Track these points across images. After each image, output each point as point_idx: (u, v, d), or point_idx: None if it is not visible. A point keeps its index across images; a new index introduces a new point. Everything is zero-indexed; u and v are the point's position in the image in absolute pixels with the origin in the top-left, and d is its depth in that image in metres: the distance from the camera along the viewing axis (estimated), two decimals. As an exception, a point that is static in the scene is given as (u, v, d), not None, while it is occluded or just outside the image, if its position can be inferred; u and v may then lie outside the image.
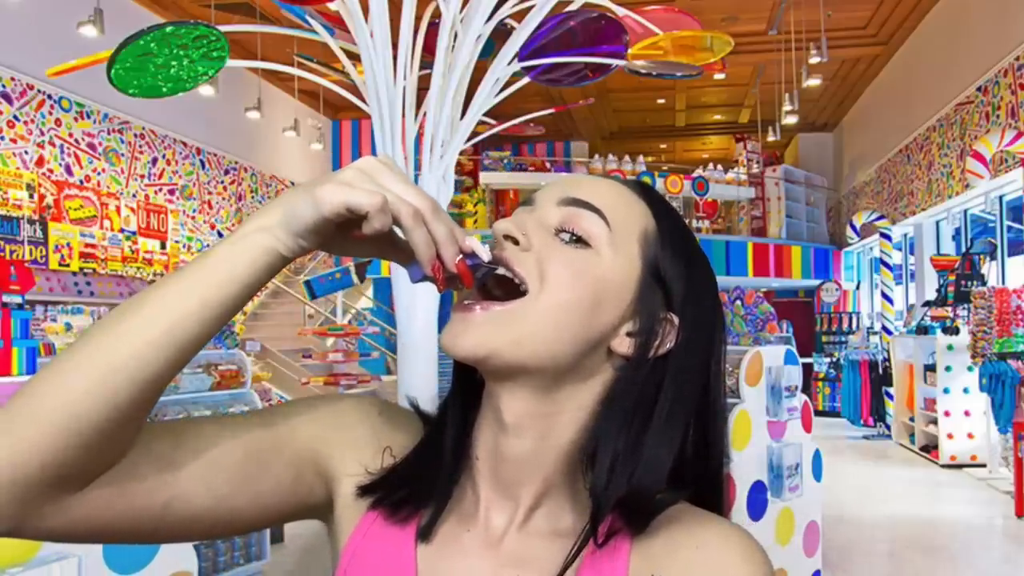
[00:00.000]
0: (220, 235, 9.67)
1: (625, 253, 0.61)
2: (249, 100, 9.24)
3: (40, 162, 7.04)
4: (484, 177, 11.94)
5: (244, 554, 3.99)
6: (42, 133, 7.11)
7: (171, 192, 8.94)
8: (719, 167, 12.69)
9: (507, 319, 0.58)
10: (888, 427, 9.37)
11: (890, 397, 9.25)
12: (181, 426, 0.61)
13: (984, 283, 7.39)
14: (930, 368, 7.93)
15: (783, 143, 14.51)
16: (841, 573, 4.39)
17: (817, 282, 12.63)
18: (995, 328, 6.42)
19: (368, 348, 9.04)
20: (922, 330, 8.11)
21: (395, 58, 3.25)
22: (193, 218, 9.33)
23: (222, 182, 10.00)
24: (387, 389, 6.45)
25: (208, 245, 9.37)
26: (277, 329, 9.65)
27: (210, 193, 9.72)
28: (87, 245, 7.08)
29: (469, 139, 3.73)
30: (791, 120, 9.78)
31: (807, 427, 3.64)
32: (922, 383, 8.18)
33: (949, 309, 7.71)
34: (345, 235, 0.57)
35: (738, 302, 4.14)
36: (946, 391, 7.52)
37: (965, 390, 7.37)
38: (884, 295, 10.23)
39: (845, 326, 12.09)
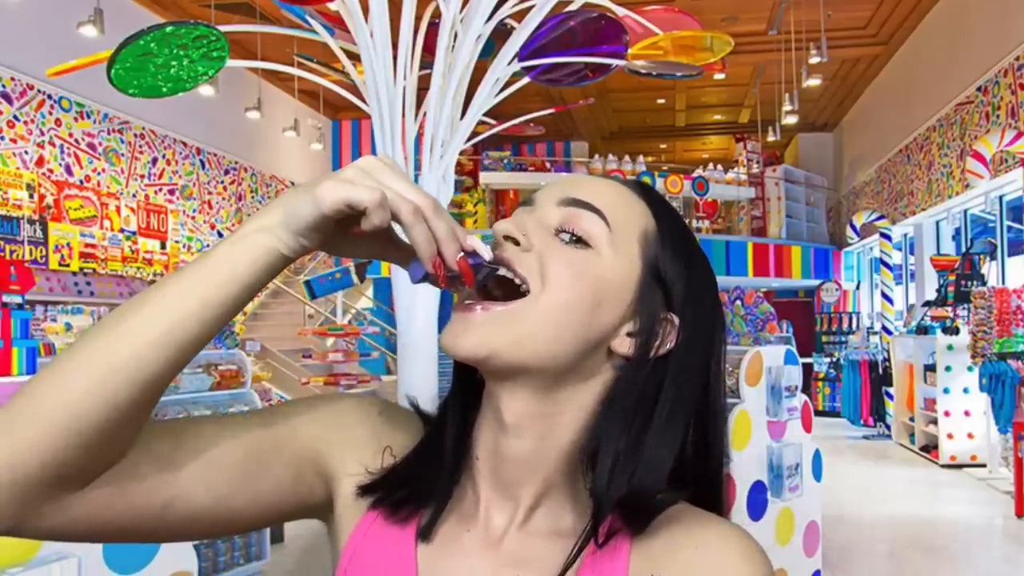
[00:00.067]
0: (220, 235, 9.67)
1: (625, 253, 0.61)
2: (249, 100, 9.24)
3: (40, 162, 7.04)
4: (484, 177, 11.94)
5: (244, 554, 3.99)
6: (42, 133, 7.11)
7: (171, 192, 8.94)
8: (719, 167, 12.70)
9: (508, 319, 0.58)
10: (888, 427, 9.38)
11: (890, 397, 9.25)
12: (181, 426, 0.61)
13: (984, 283, 7.39)
14: (930, 368, 7.94)
15: (783, 143, 14.51)
16: (841, 573, 4.39)
17: (817, 282, 12.64)
18: (995, 328, 6.42)
19: (368, 348, 9.04)
20: (922, 330, 8.11)
21: (395, 58, 3.26)
22: (193, 218, 9.33)
23: (222, 182, 10.00)
24: (387, 389, 6.45)
25: (208, 245, 9.37)
26: (277, 329, 9.65)
27: (210, 193, 9.72)
28: (87, 245, 7.08)
29: (469, 139, 3.73)
30: (791, 120, 9.78)
31: (807, 427, 3.64)
32: (922, 383, 8.18)
33: (949, 309, 7.71)
34: (346, 234, 0.57)
35: (738, 302, 4.14)
36: (946, 391, 7.52)
37: (965, 390, 7.37)
38: (884, 295, 10.24)
39: (845, 326, 12.09)
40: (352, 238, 0.58)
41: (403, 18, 3.22)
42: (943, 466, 7.39)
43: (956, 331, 7.38)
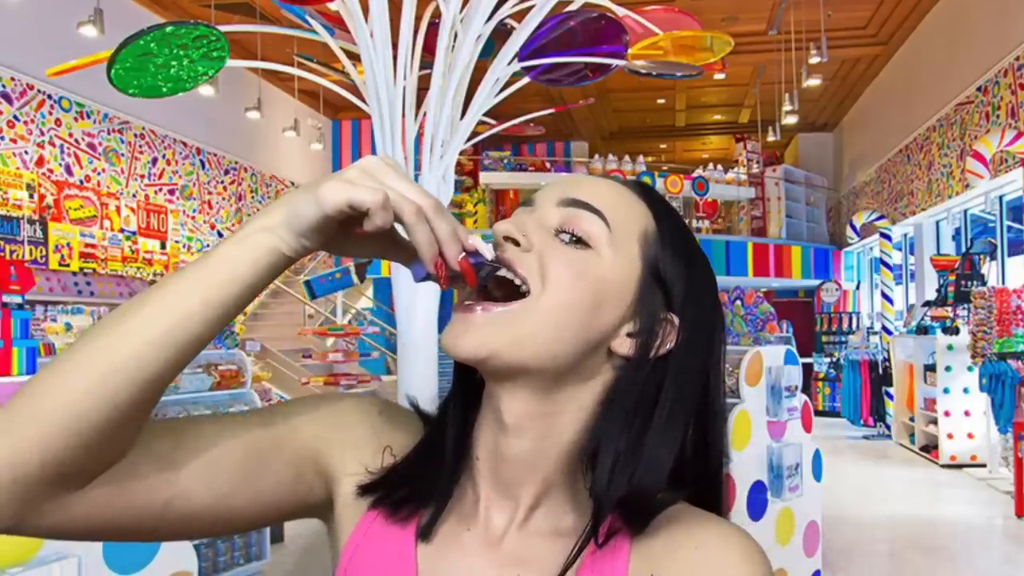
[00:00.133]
0: (220, 235, 9.67)
1: (625, 253, 0.61)
2: (249, 100, 9.24)
3: (40, 162, 7.04)
4: (484, 177, 11.94)
5: (244, 554, 3.99)
6: (42, 133, 7.11)
7: (171, 192, 8.94)
8: (719, 167, 12.70)
9: (508, 320, 0.58)
10: (888, 427, 9.38)
11: (890, 397, 9.25)
12: (181, 425, 0.61)
13: (984, 283, 7.39)
14: (930, 368, 7.94)
15: (783, 143, 14.51)
16: (841, 573, 4.39)
17: (817, 282, 12.64)
18: (995, 328, 6.42)
19: (368, 348, 9.04)
20: (922, 330, 8.11)
21: (395, 58, 3.26)
22: (193, 218, 9.33)
23: (222, 182, 10.00)
24: (387, 389, 6.45)
25: (208, 245, 9.37)
26: (277, 329, 9.65)
27: (210, 193, 9.72)
28: (87, 245, 7.08)
29: (469, 139, 3.73)
30: (791, 120, 9.78)
31: (807, 427, 3.64)
32: (922, 383, 8.18)
33: (949, 309, 7.71)
34: (347, 234, 0.57)
35: (738, 302, 4.14)
36: (946, 391, 7.52)
37: (965, 390, 7.38)
38: (884, 295, 10.24)
39: (845, 326, 12.09)
40: (354, 238, 0.58)
41: (403, 18, 3.22)
42: (943, 466, 7.39)
43: (956, 331, 7.38)
